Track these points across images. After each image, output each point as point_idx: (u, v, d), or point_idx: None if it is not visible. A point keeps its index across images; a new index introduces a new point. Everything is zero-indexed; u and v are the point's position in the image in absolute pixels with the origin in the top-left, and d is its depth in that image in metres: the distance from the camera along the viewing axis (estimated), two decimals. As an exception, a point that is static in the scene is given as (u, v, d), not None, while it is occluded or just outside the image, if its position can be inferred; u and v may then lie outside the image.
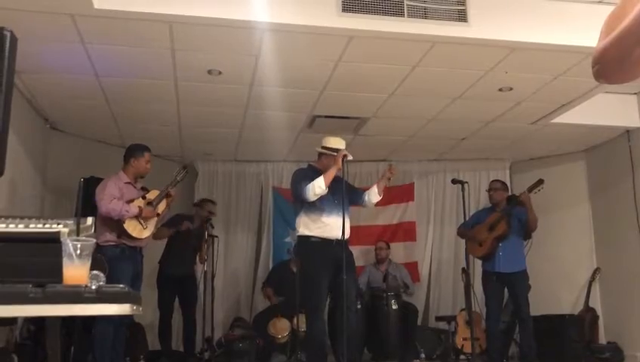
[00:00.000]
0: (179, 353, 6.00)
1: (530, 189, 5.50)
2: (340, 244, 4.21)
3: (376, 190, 4.63)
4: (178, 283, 5.79)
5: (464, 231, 5.71)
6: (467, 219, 5.52)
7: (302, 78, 4.77)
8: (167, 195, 4.66)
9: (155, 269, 5.84)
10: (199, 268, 5.96)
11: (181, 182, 4.85)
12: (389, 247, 6.88)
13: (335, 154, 4.39)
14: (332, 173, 4.33)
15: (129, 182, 4.58)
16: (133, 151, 4.66)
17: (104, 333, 4.27)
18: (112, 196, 4.36)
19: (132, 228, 4.41)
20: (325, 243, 4.35)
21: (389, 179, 4.67)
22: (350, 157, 4.36)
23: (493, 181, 5.98)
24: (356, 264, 5.12)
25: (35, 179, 5.30)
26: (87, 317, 4.01)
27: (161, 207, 4.64)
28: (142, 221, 4.47)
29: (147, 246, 4.76)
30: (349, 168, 4.61)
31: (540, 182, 5.53)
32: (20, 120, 4.75)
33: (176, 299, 5.89)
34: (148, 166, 4.66)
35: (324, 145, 4.54)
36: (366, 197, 4.69)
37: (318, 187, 4.30)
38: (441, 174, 7.40)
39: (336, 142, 4.52)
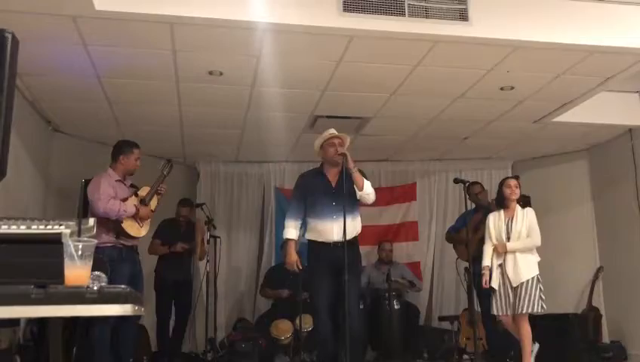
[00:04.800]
0: (184, 354, 6.03)
1: None
2: (340, 246, 4.09)
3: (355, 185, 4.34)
4: (175, 288, 5.80)
5: (450, 235, 5.71)
6: (454, 223, 5.53)
7: (303, 79, 4.77)
8: (157, 192, 4.59)
9: (152, 272, 5.87)
10: (201, 268, 5.97)
11: (168, 176, 4.71)
12: (392, 248, 6.89)
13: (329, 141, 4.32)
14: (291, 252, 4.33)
15: (119, 180, 4.46)
16: (121, 148, 4.53)
17: (101, 335, 4.20)
18: (109, 196, 4.25)
19: (130, 227, 4.32)
20: (322, 245, 4.28)
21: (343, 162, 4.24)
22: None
23: (473, 184, 5.94)
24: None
25: (38, 180, 5.31)
26: (88, 318, 4.00)
27: (153, 203, 4.56)
28: (138, 220, 4.40)
29: (140, 243, 4.71)
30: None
31: (515, 178, 5.63)
32: (23, 122, 4.75)
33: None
34: (137, 163, 4.53)
35: (319, 143, 4.44)
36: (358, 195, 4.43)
37: (284, 234, 4.38)
38: (443, 174, 7.40)
39: (325, 134, 4.40)
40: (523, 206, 4.85)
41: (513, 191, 4.80)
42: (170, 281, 5.78)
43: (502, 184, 4.92)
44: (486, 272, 4.72)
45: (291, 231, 4.34)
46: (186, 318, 5.90)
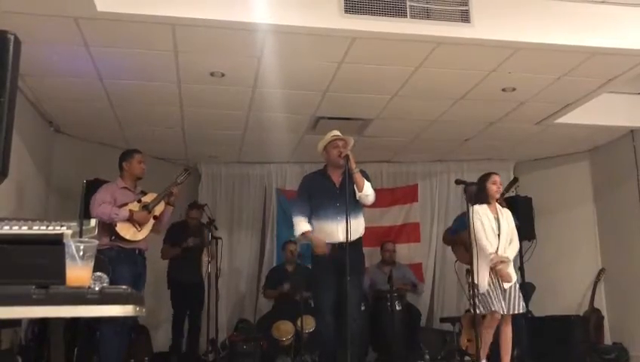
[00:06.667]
0: (186, 354, 6.04)
1: (507, 189, 5.64)
2: (344, 247, 4.09)
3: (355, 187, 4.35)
4: (187, 288, 5.93)
5: (449, 237, 5.68)
6: (451, 224, 5.51)
7: (305, 80, 4.77)
8: (170, 194, 4.69)
9: (163, 273, 5.97)
10: (206, 268, 6.01)
11: (182, 184, 4.86)
12: (395, 248, 6.88)
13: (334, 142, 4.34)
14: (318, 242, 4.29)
15: (125, 187, 4.62)
16: (123, 156, 4.72)
17: (109, 336, 4.29)
18: (102, 200, 4.43)
19: (125, 231, 4.45)
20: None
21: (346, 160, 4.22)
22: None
23: (471, 185, 5.92)
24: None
25: (40, 181, 5.31)
26: (90, 319, 4.02)
27: (159, 208, 4.66)
28: (135, 224, 4.50)
29: (149, 248, 4.77)
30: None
31: (515, 180, 5.73)
32: (25, 123, 4.76)
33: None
34: (141, 166, 4.69)
35: (322, 144, 4.48)
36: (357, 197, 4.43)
37: (296, 230, 4.37)
38: (445, 175, 7.39)
39: (328, 136, 4.42)
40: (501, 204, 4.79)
41: (499, 189, 4.72)
42: (182, 283, 5.92)
43: (486, 180, 4.69)
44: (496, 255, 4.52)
45: (304, 224, 4.32)
46: (199, 318, 5.98)
